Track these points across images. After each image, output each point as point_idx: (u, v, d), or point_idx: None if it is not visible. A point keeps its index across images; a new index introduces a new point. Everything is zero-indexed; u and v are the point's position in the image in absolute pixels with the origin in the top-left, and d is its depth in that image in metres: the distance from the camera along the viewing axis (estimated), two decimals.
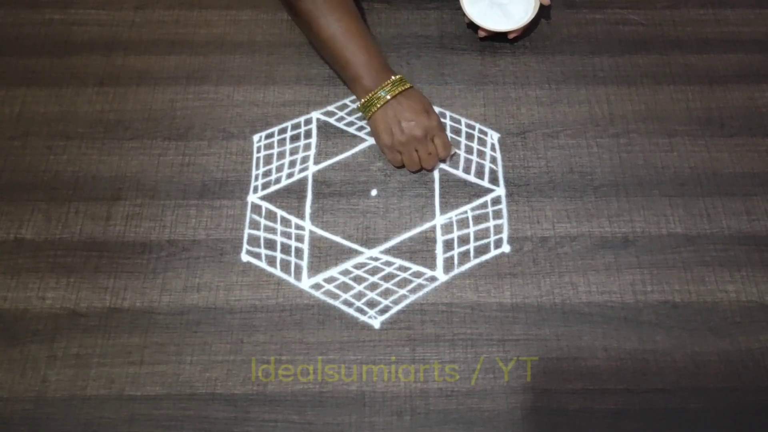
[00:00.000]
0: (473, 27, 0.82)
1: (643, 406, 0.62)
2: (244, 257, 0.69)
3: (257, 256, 0.69)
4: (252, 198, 0.73)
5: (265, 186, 0.73)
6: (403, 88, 0.70)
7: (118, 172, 0.74)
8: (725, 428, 0.61)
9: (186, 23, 0.84)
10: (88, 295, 0.67)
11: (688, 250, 0.70)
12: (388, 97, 0.69)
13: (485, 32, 0.80)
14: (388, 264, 0.69)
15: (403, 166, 0.73)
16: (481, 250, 0.70)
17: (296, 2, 0.69)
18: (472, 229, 0.71)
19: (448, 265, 0.69)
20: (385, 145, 0.71)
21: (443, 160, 0.74)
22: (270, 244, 0.70)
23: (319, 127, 0.77)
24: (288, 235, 0.70)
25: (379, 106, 0.69)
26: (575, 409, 0.62)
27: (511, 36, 0.80)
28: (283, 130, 0.77)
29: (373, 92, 0.69)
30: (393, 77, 0.70)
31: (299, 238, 0.70)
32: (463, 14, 0.80)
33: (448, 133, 0.76)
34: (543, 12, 0.83)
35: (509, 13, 0.80)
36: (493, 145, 0.76)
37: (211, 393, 0.62)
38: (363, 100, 0.70)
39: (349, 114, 0.78)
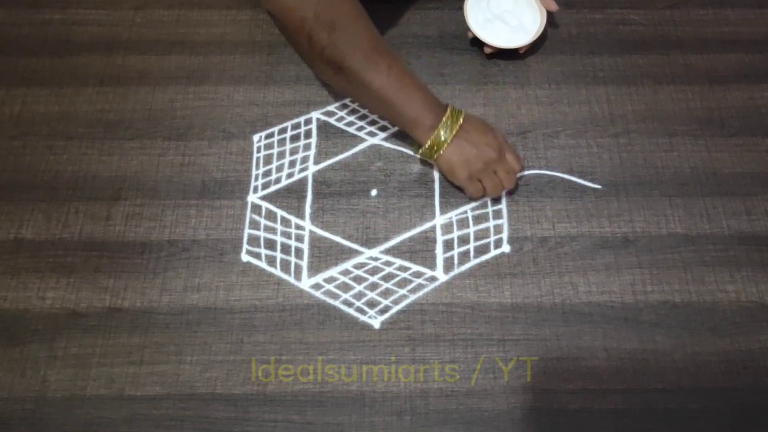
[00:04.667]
0: (478, 43, 0.80)
1: (643, 406, 0.62)
2: (244, 257, 0.69)
3: (257, 256, 0.69)
4: (252, 198, 0.73)
5: (265, 186, 0.73)
6: (461, 118, 0.66)
7: (118, 172, 0.74)
8: (725, 428, 0.61)
9: (186, 23, 0.84)
10: (88, 295, 0.67)
11: (688, 250, 0.70)
12: (453, 133, 0.65)
13: (492, 49, 0.79)
14: (388, 264, 0.69)
15: (484, 196, 0.70)
16: (481, 250, 0.70)
17: (342, 63, 0.62)
18: (472, 229, 0.71)
19: (448, 265, 0.69)
20: (464, 179, 0.67)
21: (518, 173, 0.71)
22: (270, 244, 0.70)
23: (319, 127, 0.77)
24: (288, 235, 0.70)
25: (445, 145, 0.66)
26: (575, 409, 0.62)
27: (522, 51, 0.79)
28: (283, 130, 0.77)
29: (434, 133, 0.65)
30: (448, 110, 0.66)
31: (299, 238, 0.70)
32: (467, 29, 0.78)
33: None
34: (549, 19, 0.81)
35: (515, 24, 0.78)
36: None
37: (211, 393, 0.62)
38: (428, 144, 0.66)
39: (349, 114, 0.78)
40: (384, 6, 0.85)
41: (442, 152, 0.66)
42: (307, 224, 0.71)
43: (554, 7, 0.78)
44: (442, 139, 0.65)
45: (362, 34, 0.62)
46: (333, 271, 0.68)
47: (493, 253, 0.70)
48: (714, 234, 0.71)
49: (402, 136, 0.76)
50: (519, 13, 0.79)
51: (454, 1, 0.84)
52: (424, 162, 0.74)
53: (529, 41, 0.78)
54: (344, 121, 0.77)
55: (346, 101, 0.79)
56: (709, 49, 0.83)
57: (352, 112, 0.78)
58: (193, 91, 0.79)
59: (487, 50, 0.79)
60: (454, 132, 0.65)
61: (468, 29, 0.78)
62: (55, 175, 0.74)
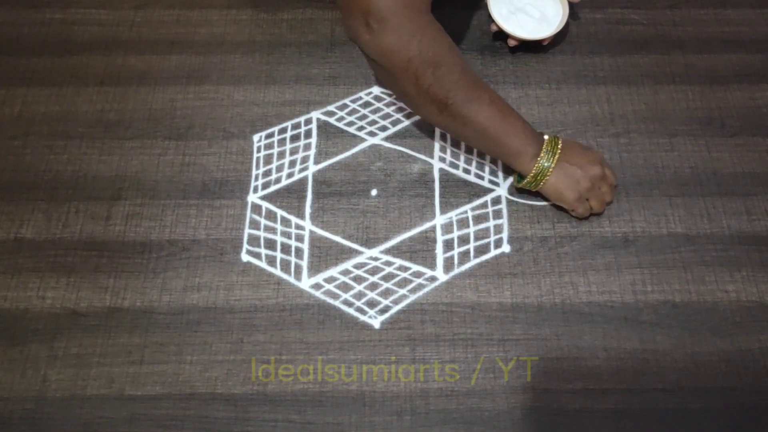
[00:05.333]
0: (501, 36, 0.80)
1: (643, 406, 0.62)
2: (244, 257, 0.69)
3: (257, 255, 0.69)
4: (252, 198, 0.73)
5: (265, 186, 0.73)
6: (560, 143, 0.67)
7: (119, 172, 0.74)
8: (725, 428, 0.61)
9: (186, 23, 0.84)
10: (88, 295, 0.67)
11: (688, 250, 0.70)
12: (555, 158, 0.66)
13: (516, 41, 0.79)
14: (388, 264, 0.69)
15: (591, 215, 0.71)
16: (481, 250, 0.70)
17: (447, 99, 0.62)
18: (472, 229, 0.71)
19: (448, 264, 0.69)
20: (573, 200, 0.68)
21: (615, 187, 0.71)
22: (270, 244, 0.70)
23: (319, 127, 0.77)
24: (288, 235, 0.70)
25: (550, 171, 0.66)
26: (575, 409, 0.62)
27: (545, 42, 0.80)
28: (283, 130, 0.77)
29: (538, 160, 0.66)
30: (546, 138, 0.67)
31: (299, 238, 0.70)
32: (491, 21, 0.79)
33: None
34: (572, 10, 0.81)
35: (538, 16, 0.79)
36: None
37: (211, 393, 0.62)
38: (532, 173, 0.66)
39: (349, 114, 0.78)
40: None
41: (547, 179, 0.67)
42: (307, 224, 0.71)
43: None
44: (545, 166, 0.66)
45: (463, 68, 0.63)
46: (333, 271, 0.68)
47: (493, 252, 0.70)
48: (714, 234, 0.71)
49: (402, 136, 0.76)
50: (542, 5, 0.80)
51: (454, 1, 0.84)
52: (423, 162, 0.74)
53: (553, 32, 0.78)
54: (344, 121, 0.77)
55: (346, 101, 0.79)
56: (709, 49, 0.83)
57: (352, 112, 0.78)
58: (194, 90, 0.79)
59: (512, 42, 0.79)
60: (556, 158, 0.66)
61: (492, 22, 0.79)
62: (55, 175, 0.74)
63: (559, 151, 0.66)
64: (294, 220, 0.71)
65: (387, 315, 0.66)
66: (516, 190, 0.73)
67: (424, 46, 0.60)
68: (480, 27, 0.84)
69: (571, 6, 0.80)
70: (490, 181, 0.74)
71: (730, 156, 0.75)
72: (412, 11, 0.60)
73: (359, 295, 0.67)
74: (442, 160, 0.75)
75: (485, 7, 0.80)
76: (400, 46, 0.59)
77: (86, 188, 0.73)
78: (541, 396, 0.63)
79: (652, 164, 0.75)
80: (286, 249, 0.70)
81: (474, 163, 0.75)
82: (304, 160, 0.75)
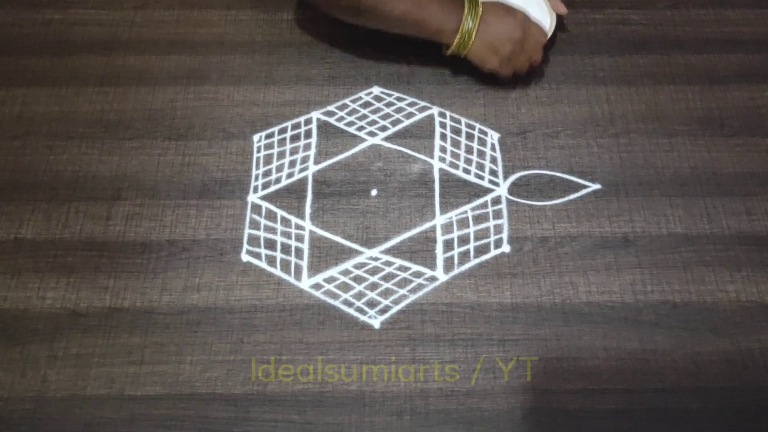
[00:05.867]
0: None
1: (643, 406, 0.62)
2: (244, 257, 0.69)
3: (257, 256, 0.69)
4: (252, 198, 0.73)
5: (265, 186, 0.73)
6: (479, 9, 0.70)
7: (118, 172, 0.74)
8: (725, 428, 0.61)
9: (186, 23, 0.84)
10: (88, 295, 0.67)
11: (688, 250, 0.70)
12: (476, 25, 0.70)
13: None
14: (388, 264, 0.69)
15: (515, 74, 0.75)
16: (481, 250, 0.70)
17: (359, 4, 0.69)
18: (472, 229, 0.71)
19: (448, 265, 0.69)
20: (494, 67, 0.73)
21: (544, 45, 0.75)
22: (270, 244, 0.70)
23: (319, 127, 0.77)
24: (288, 235, 0.70)
25: (472, 38, 0.70)
26: (575, 409, 0.62)
27: None
28: (283, 130, 0.77)
29: (459, 30, 0.70)
30: (465, 6, 0.70)
31: (299, 238, 0.70)
32: None
33: (447, 133, 0.76)
34: (559, 21, 0.81)
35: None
36: (493, 145, 0.76)
37: (211, 393, 0.62)
38: (455, 43, 0.71)
39: (349, 114, 0.78)
40: None
41: (469, 47, 0.70)
42: (307, 224, 0.71)
43: (563, 10, 0.79)
44: (466, 36, 0.69)
45: None
46: (333, 271, 0.68)
47: (493, 253, 0.70)
48: (714, 234, 0.71)
49: (402, 136, 0.76)
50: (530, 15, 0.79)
51: None
52: (423, 162, 0.74)
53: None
54: (344, 121, 0.77)
55: (347, 101, 0.79)
56: (709, 49, 0.83)
57: (352, 112, 0.78)
58: (194, 91, 0.79)
59: None
60: (476, 26, 0.70)
61: None
62: (55, 175, 0.74)
63: (478, 18, 0.70)
64: (294, 220, 0.71)
65: (387, 315, 0.66)
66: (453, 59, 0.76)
67: None
68: None
69: (560, 17, 0.80)
70: (490, 181, 0.74)
71: (730, 156, 0.75)
72: None
73: (359, 295, 0.67)
74: (442, 160, 0.75)
75: None
76: None
77: (86, 188, 0.73)
78: (541, 396, 0.63)
79: (652, 164, 0.75)
80: (286, 249, 0.70)
81: (474, 163, 0.75)
82: (304, 160, 0.75)
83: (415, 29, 0.72)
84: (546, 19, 0.79)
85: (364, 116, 0.78)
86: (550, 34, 0.78)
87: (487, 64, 0.73)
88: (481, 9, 0.71)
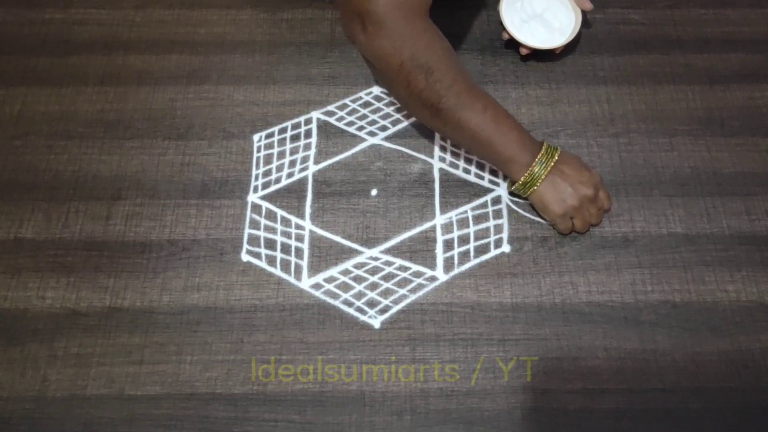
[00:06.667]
0: (513, 44, 0.79)
1: (643, 406, 0.62)
2: (244, 257, 0.69)
3: (257, 255, 0.69)
4: (252, 198, 0.73)
5: (265, 186, 0.73)
6: (556, 155, 0.66)
7: (118, 172, 0.74)
8: (725, 428, 0.61)
9: (186, 23, 0.84)
10: (88, 295, 0.67)
11: (688, 250, 0.70)
12: (547, 170, 0.65)
13: (528, 50, 0.78)
14: (388, 264, 0.69)
15: (571, 232, 0.70)
16: (481, 250, 0.70)
17: (439, 104, 0.63)
18: (472, 229, 0.71)
19: (448, 264, 0.69)
20: (557, 215, 0.67)
21: (607, 211, 0.71)
22: (270, 244, 0.70)
23: (319, 127, 0.77)
24: (288, 235, 0.70)
25: (540, 181, 0.66)
26: (575, 409, 0.62)
27: (557, 51, 0.79)
28: (283, 130, 0.77)
29: (529, 169, 0.65)
30: (543, 148, 0.66)
31: (299, 238, 0.70)
32: (503, 29, 0.78)
33: None
34: (584, 18, 0.80)
35: (551, 25, 0.78)
36: None
37: (211, 393, 0.62)
38: (522, 179, 0.66)
39: (349, 114, 0.78)
40: None
41: (535, 188, 0.66)
42: (307, 224, 0.71)
43: (589, 6, 0.78)
44: (537, 173, 0.65)
45: (456, 75, 0.63)
46: (333, 271, 0.68)
47: (493, 252, 0.70)
48: (714, 234, 0.71)
49: (402, 136, 0.76)
50: (554, 13, 0.79)
51: (454, 2, 0.84)
52: (423, 162, 0.74)
53: (565, 41, 0.78)
54: (344, 121, 0.77)
55: (346, 101, 0.79)
56: (709, 48, 0.83)
57: (352, 112, 0.78)
58: (194, 90, 0.79)
59: (523, 51, 0.79)
60: (548, 169, 0.65)
61: (504, 30, 0.78)
62: (55, 174, 0.74)
63: (554, 162, 0.66)
64: (294, 220, 0.71)
65: (387, 315, 0.66)
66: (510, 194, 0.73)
67: (417, 50, 0.60)
68: (480, 27, 0.84)
69: (584, 14, 0.79)
70: (490, 181, 0.74)
71: (730, 156, 0.75)
72: (408, 15, 0.60)
73: (359, 295, 0.67)
74: (442, 160, 0.75)
75: (486, 6, 0.80)
76: (392, 49, 0.60)
77: (86, 188, 0.73)
78: (541, 396, 0.63)
79: (651, 164, 0.75)
80: (286, 249, 0.70)
81: (474, 163, 0.75)
82: (304, 160, 0.75)
83: (486, 150, 0.66)
84: (571, 17, 0.79)
85: (364, 116, 0.78)
86: (577, 30, 0.78)
87: (549, 211, 0.67)
88: (557, 156, 0.66)
